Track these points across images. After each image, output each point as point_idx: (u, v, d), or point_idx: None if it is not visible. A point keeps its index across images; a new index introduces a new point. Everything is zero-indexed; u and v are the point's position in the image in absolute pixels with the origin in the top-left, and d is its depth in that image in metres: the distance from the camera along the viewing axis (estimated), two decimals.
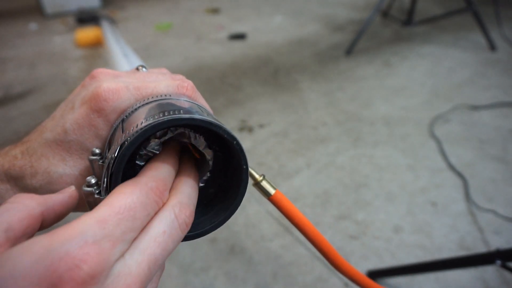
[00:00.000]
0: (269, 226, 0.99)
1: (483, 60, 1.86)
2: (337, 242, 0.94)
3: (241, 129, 1.42)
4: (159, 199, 0.21)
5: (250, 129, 1.41)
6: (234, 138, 0.24)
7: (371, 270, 0.84)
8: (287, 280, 0.85)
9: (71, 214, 0.27)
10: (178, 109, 0.23)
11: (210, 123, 0.23)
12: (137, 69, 0.32)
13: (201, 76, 1.87)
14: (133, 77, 0.28)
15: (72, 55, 2.27)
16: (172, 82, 0.28)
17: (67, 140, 0.26)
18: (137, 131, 0.22)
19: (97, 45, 2.33)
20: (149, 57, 2.17)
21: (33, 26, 2.84)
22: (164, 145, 0.26)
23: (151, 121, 0.22)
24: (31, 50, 2.36)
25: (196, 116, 0.23)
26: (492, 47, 1.94)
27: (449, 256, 0.73)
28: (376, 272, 0.83)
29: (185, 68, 1.98)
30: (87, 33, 2.38)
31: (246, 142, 1.33)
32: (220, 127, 0.23)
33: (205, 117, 0.23)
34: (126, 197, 0.19)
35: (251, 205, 1.05)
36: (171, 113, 0.23)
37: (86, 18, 2.67)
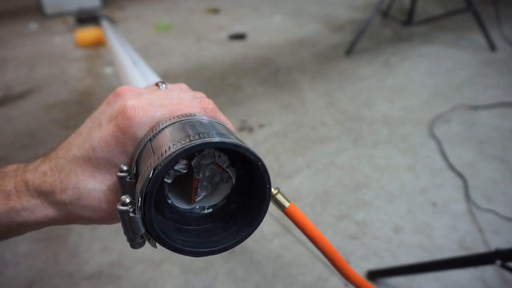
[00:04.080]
0: (269, 226, 0.99)
1: (483, 60, 1.86)
2: (337, 242, 0.94)
3: (241, 129, 1.42)
4: None
5: (250, 129, 1.41)
6: (259, 160, 0.25)
7: (371, 270, 0.84)
8: (287, 280, 0.85)
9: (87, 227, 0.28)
10: (208, 131, 0.25)
11: (238, 146, 0.24)
12: (157, 85, 0.32)
13: (201, 76, 1.87)
14: (156, 95, 0.29)
15: (72, 55, 2.27)
16: (195, 101, 0.29)
17: (95, 157, 0.27)
18: (170, 155, 0.23)
19: (97, 45, 2.33)
20: (149, 57, 2.16)
21: (33, 26, 2.84)
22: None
23: (183, 144, 0.23)
24: (31, 50, 2.36)
25: (226, 139, 0.24)
26: (492, 47, 1.94)
27: (449, 256, 0.73)
28: (376, 272, 0.83)
29: (185, 68, 1.98)
30: (87, 33, 2.38)
31: (246, 142, 1.33)
32: (247, 150, 0.24)
33: (233, 140, 0.24)
34: None
35: None
36: (200, 136, 0.24)
37: (86, 18, 2.67)
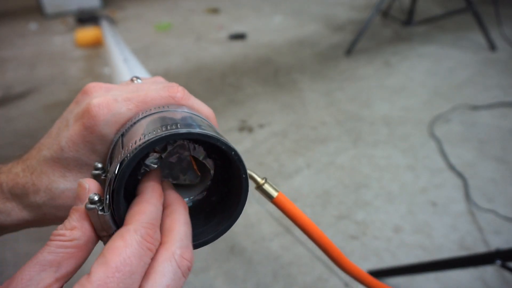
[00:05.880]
0: (269, 226, 0.99)
1: (483, 60, 1.86)
2: (337, 242, 0.94)
3: (241, 129, 1.42)
4: (153, 245, 0.21)
5: (250, 129, 1.41)
6: (232, 149, 0.24)
7: (371, 270, 0.84)
8: (287, 280, 0.85)
9: None
10: (176, 123, 0.24)
11: (208, 136, 0.23)
12: (132, 80, 0.32)
13: (201, 76, 1.87)
14: (125, 90, 0.28)
15: (72, 55, 2.26)
16: (162, 90, 0.28)
17: (64, 157, 0.26)
18: (135, 148, 0.22)
19: (97, 45, 2.33)
20: (149, 57, 2.16)
21: (33, 26, 2.84)
22: (144, 175, 0.25)
23: (149, 137, 0.22)
24: (31, 50, 2.36)
25: (194, 130, 0.23)
26: (492, 47, 1.94)
27: (449, 256, 0.73)
28: (376, 272, 0.83)
29: (185, 68, 1.98)
30: (87, 33, 2.38)
31: (246, 142, 1.33)
32: (217, 139, 0.23)
33: (202, 130, 0.23)
34: (119, 253, 0.19)
35: (251, 205, 1.05)
36: (168, 128, 0.23)
37: (86, 18, 2.67)
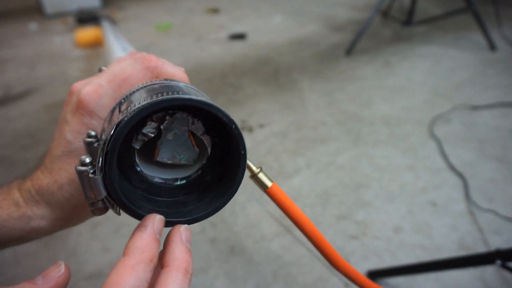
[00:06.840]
0: (269, 226, 0.99)
1: (483, 60, 1.86)
2: (337, 242, 0.94)
3: (241, 129, 1.41)
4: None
5: (250, 129, 1.41)
6: (232, 122, 0.24)
7: (371, 270, 0.84)
8: (287, 280, 0.85)
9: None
10: (178, 90, 0.23)
11: (209, 105, 0.23)
12: (99, 70, 0.33)
13: (201, 76, 1.87)
14: (101, 76, 0.30)
15: (72, 55, 2.26)
16: (137, 64, 0.30)
17: (74, 149, 0.28)
18: (134, 110, 0.21)
19: (97, 45, 2.33)
20: None
21: (33, 26, 2.84)
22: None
23: (148, 100, 0.22)
24: (31, 50, 2.36)
25: (195, 97, 0.22)
26: (492, 47, 1.94)
27: (449, 256, 0.73)
28: (376, 272, 0.83)
29: (185, 68, 1.96)
30: (87, 33, 2.38)
31: (246, 142, 1.32)
32: (219, 110, 0.23)
33: (203, 99, 0.23)
34: None
35: (251, 205, 1.05)
36: (169, 93, 0.23)
37: (86, 18, 2.67)
